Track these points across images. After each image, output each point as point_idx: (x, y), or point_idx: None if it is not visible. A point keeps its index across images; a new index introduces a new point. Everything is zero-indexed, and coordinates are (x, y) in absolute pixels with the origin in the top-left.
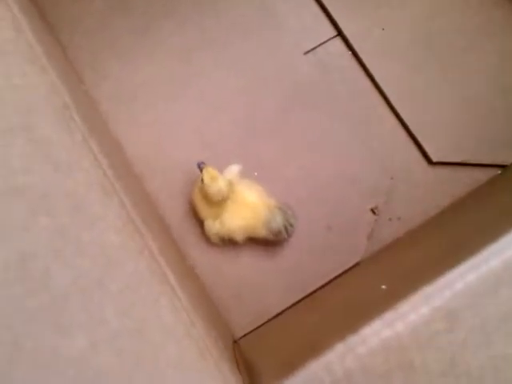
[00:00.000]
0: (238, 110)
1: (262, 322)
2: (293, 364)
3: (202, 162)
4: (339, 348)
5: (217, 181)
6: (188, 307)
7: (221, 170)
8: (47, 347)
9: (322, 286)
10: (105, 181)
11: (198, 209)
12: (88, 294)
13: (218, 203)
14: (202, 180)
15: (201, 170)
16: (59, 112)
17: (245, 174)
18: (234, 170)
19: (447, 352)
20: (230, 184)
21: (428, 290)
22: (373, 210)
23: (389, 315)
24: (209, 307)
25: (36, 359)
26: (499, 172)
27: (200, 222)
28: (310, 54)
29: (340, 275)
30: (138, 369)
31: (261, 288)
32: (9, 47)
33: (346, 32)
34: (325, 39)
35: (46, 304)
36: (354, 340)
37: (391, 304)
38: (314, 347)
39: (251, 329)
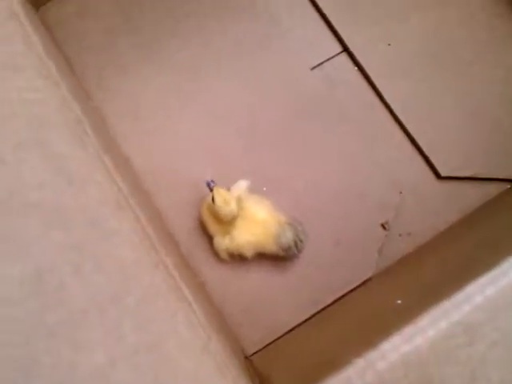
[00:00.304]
0: (245, 125)
1: (273, 339)
2: (311, 379)
3: (212, 181)
4: (359, 363)
5: (229, 203)
6: (204, 322)
7: (229, 185)
8: (65, 363)
9: (334, 302)
10: (119, 195)
11: (206, 225)
12: (105, 308)
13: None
14: (213, 200)
15: (210, 190)
16: (72, 126)
17: (253, 189)
18: (242, 185)
19: (467, 366)
20: (239, 200)
21: (447, 304)
22: (383, 225)
23: (408, 330)
24: (220, 323)
25: (54, 375)
26: (508, 186)
27: (209, 238)
28: (316, 70)
29: (351, 291)
30: None
31: (271, 304)
32: (21, 62)
33: (351, 47)
34: (331, 55)
35: (62, 319)
36: (373, 355)
37: (409, 319)
38: (332, 363)
39: (263, 345)
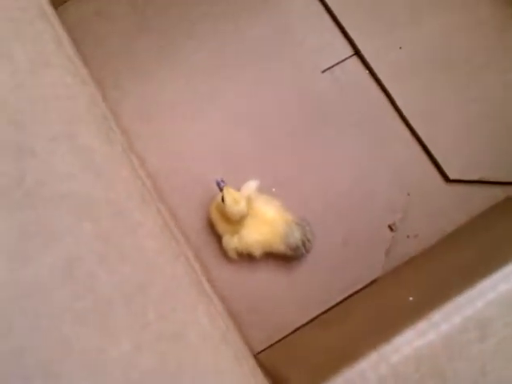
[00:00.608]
0: (256, 126)
1: (280, 337)
2: (325, 374)
3: (222, 181)
4: (372, 357)
5: (238, 203)
6: (222, 312)
7: (239, 185)
8: (94, 348)
9: (341, 302)
10: (143, 189)
11: (215, 224)
12: (130, 297)
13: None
14: (223, 200)
15: (220, 189)
16: (99, 122)
17: (263, 190)
18: (251, 185)
19: (478, 361)
20: (248, 200)
21: (460, 299)
22: (390, 227)
23: (421, 325)
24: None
25: (84, 359)
26: None
27: (217, 237)
28: (327, 73)
29: (358, 291)
30: (179, 372)
31: (279, 303)
32: (52, 59)
33: (362, 51)
34: (342, 58)
35: (91, 307)
36: (387, 349)
37: (422, 314)
38: (345, 357)
39: (269, 343)
